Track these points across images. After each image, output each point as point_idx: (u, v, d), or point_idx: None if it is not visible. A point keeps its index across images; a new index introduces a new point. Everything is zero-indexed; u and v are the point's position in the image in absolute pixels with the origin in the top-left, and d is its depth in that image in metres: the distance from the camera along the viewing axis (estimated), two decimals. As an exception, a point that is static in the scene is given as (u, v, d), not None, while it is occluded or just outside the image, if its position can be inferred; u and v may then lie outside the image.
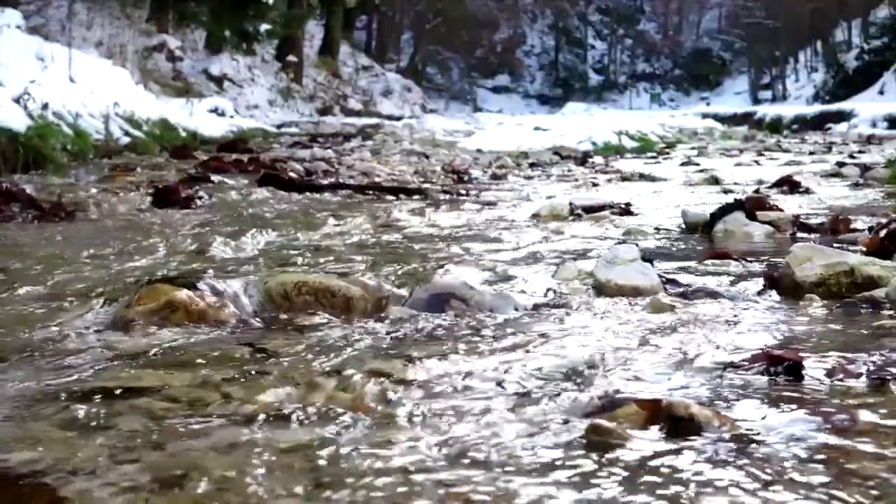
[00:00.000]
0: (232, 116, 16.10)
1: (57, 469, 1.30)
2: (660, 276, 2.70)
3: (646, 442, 1.40)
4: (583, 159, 10.86)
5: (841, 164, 9.13)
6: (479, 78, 59.95)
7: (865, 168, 8.38)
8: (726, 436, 1.41)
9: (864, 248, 3.09)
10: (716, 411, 1.49)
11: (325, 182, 6.72)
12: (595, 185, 7.39)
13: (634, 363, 1.86)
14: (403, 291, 2.49)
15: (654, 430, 1.44)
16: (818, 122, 26.21)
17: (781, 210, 4.51)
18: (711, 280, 2.81)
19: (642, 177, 8.22)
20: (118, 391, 1.68)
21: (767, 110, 33.88)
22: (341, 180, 6.96)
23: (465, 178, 7.85)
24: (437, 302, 2.39)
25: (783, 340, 2.06)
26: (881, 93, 34.21)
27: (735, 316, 2.32)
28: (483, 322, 2.26)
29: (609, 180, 7.94)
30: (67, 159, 8.01)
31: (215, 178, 6.85)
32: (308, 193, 6.00)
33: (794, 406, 1.57)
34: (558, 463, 1.33)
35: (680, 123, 23.03)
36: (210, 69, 22.51)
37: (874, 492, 1.22)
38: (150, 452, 1.36)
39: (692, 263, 3.16)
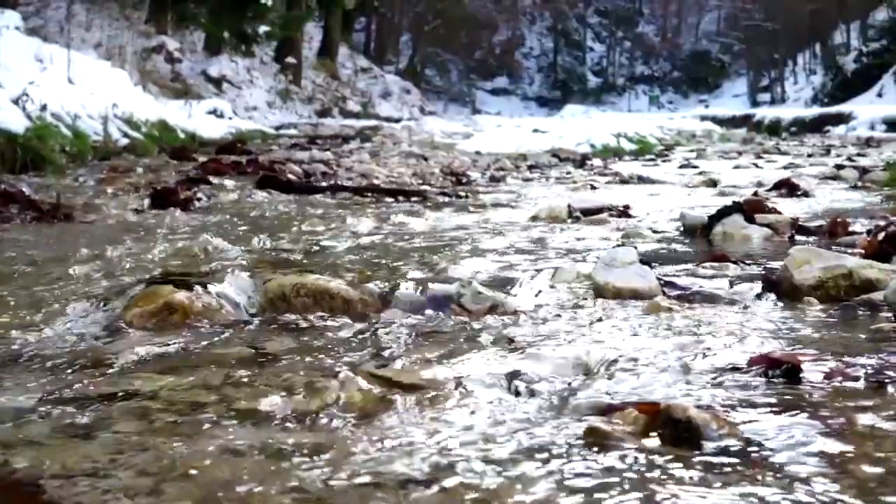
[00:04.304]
0: (230, 118, 16.10)
1: (54, 473, 1.29)
2: (658, 278, 2.70)
3: (644, 445, 1.40)
4: (581, 161, 10.87)
5: (839, 167, 9.14)
6: (478, 80, 59.95)
7: (864, 171, 8.39)
8: (725, 439, 1.41)
9: (863, 251, 3.09)
10: (714, 414, 1.49)
11: (324, 184, 6.72)
12: (594, 187, 7.39)
13: (633, 366, 1.86)
14: (401, 293, 2.49)
15: (653, 434, 1.44)
16: (817, 125, 26.23)
17: (780, 213, 4.52)
18: (710, 283, 2.80)
19: (641, 179, 8.23)
20: (115, 394, 1.67)
21: (766, 112, 33.88)
22: (340, 182, 6.96)
23: (464, 180, 7.85)
24: (435, 304, 2.39)
25: (782, 343, 2.06)
26: (880, 95, 34.26)
27: (733, 319, 2.32)
28: (480, 324, 2.26)
29: (608, 182, 7.94)
30: (66, 160, 8.01)
31: (214, 179, 6.85)
32: (306, 195, 6.00)
33: (792, 409, 1.57)
34: (556, 465, 1.33)
35: (678, 126, 23.07)
36: (209, 71, 22.52)
37: (873, 494, 1.22)
38: (148, 456, 1.36)
39: (691, 266, 3.16)
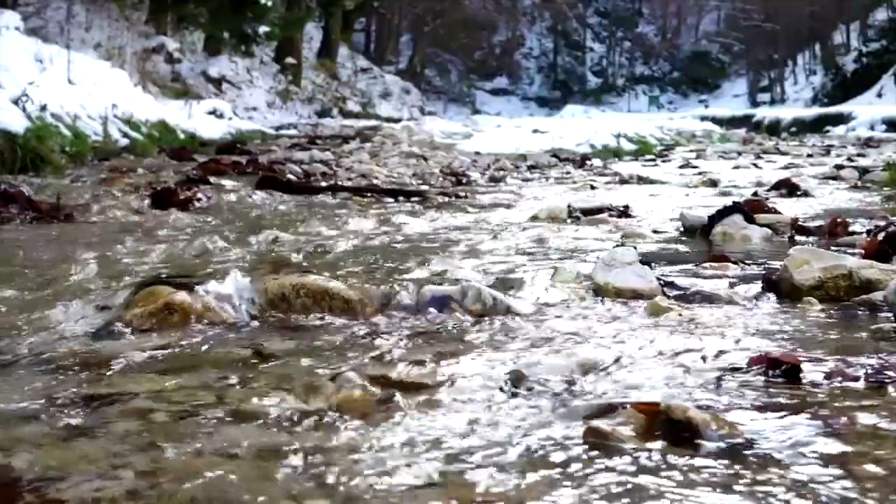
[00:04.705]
0: (230, 118, 16.08)
1: (51, 474, 1.29)
2: (658, 278, 2.70)
3: (644, 445, 1.40)
4: (581, 162, 10.86)
5: (839, 167, 9.14)
6: (478, 80, 59.93)
7: (864, 171, 8.39)
8: (725, 439, 1.41)
9: (863, 251, 3.10)
10: (714, 415, 1.49)
11: (324, 184, 6.72)
12: (593, 187, 7.39)
13: (633, 366, 1.86)
14: (401, 294, 2.49)
15: (653, 434, 1.43)
16: (816, 125, 26.24)
17: (780, 213, 4.52)
18: (710, 283, 2.80)
19: (641, 179, 8.23)
20: (114, 395, 1.67)
21: (766, 113, 33.87)
22: (340, 182, 6.96)
23: (464, 180, 7.85)
24: (435, 304, 2.39)
25: (782, 343, 2.05)
26: (879, 95, 34.26)
27: (733, 319, 2.31)
28: (481, 325, 2.26)
29: (607, 183, 7.94)
30: (66, 161, 8.00)
31: (213, 179, 6.84)
32: (306, 196, 6.00)
33: (792, 409, 1.57)
34: (555, 466, 1.33)
35: (678, 126, 23.05)
36: (209, 71, 22.51)
37: (874, 494, 1.22)
38: (146, 457, 1.36)
39: (691, 266, 3.16)
